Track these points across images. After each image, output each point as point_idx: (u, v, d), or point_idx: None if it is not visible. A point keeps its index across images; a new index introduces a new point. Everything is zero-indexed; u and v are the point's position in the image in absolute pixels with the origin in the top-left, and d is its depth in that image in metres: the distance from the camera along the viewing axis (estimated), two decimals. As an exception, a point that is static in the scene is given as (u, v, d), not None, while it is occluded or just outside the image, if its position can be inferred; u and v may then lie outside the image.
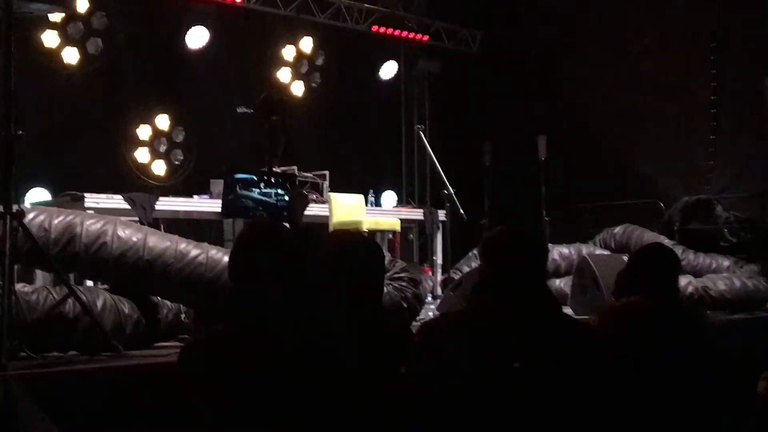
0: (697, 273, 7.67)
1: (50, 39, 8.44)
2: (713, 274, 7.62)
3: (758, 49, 8.50)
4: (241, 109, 5.48)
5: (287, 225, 5.37)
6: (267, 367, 2.38)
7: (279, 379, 2.37)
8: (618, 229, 8.66)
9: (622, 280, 3.54)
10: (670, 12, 9.57)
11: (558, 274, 8.34)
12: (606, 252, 8.36)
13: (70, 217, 4.56)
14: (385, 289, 5.11)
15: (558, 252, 8.48)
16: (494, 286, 2.65)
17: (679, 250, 8.04)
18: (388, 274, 5.34)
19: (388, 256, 5.67)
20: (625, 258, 6.69)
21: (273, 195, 5.21)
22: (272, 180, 5.17)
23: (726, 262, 7.94)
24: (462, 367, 2.47)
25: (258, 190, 5.18)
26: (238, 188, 5.18)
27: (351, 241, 3.07)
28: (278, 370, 2.38)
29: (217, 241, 7.89)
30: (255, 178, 5.19)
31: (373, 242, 3.46)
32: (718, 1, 9.21)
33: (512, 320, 2.55)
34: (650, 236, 8.39)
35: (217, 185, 7.83)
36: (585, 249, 8.40)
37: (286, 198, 5.22)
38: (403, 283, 5.25)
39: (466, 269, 7.83)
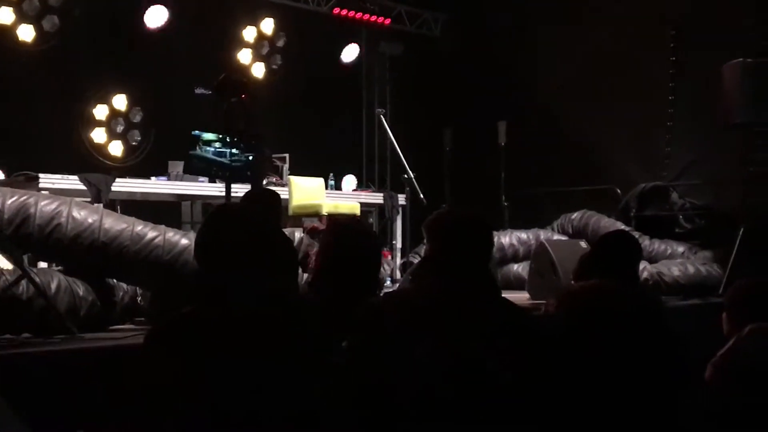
0: (652, 259, 7.78)
1: (5, 16, 8.25)
2: (668, 260, 7.74)
3: (718, 36, 8.60)
4: (199, 90, 5.43)
5: (248, 185, 5.33)
6: (238, 352, 2.36)
7: (251, 365, 2.36)
8: (575, 215, 8.75)
9: (584, 265, 3.59)
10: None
11: (516, 259, 8.42)
12: (564, 237, 8.45)
13: (24, 197, 4.50)
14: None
15: (516, 237, 8.56)
16: (436, 268, 2.66)
17: (635, 235, 8.14)
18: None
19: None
20: (583, 243, 6.81)
21: (228, 155, 5.19)
22: (228, 140, 5.13)
23: (681, 248, 8.06)
24: (398, 346, 2.48)
25: (213, 150, 5.18)
26: (198, 147, 5.17)
27: (352, 231, 3.08)
28: (250, 354, 2.37)
29: (175, 223, 7.84)
30: (213, 137, 5.17)
31: (373, 233, 3.45)
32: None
33: (450, 303, 2.56)
34: (607, 222, 8.49)
35: (176, 166, 7.79)
36: (543, 234, 8.48)
37: (243, 159, 5.20)
38: (362, 267, 5.24)
39: (425, 253, 7.84)
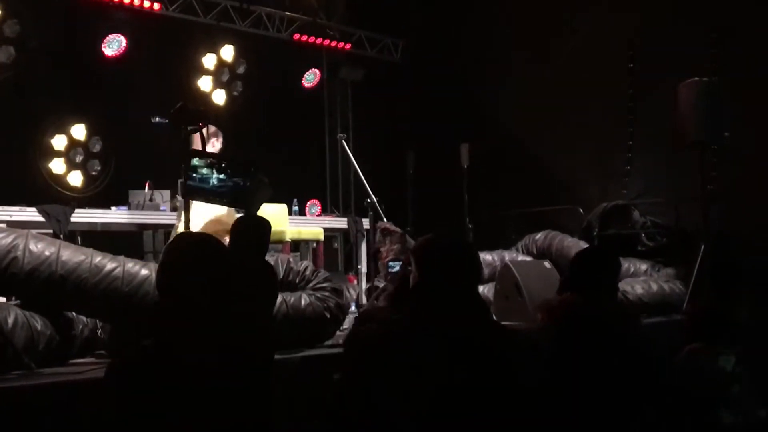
0: (615, 277, 7.82)
1: (-41, 47, 8.17)
2: (631, 278, 7.77)
3: (673, 56, 8.73)
4: (156, 119, 5.37)
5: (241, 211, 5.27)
6: (197, 386, 2.31)
7: (212, 398, 2.31)
8: (539, 236, 8.78)
9: (565, 281, 3.63)
10: (589, 21, 9.77)
11: (481, 281, 8.42)
12: (528, 258, 8.47)
13: (-21, 232, 4.42)
14: (307, 299, 5.09)
15: (481, 259, 8.55)
16: (428, 294, 2.64)
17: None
18: (311, 284, 5.31)
19: (310, 266, 5.63)
20: (547, 264, 6.82)
21: (214, 180, 5.16)
22: (217, 165, 5.10)
23: (643, 266, 8.11)
24: (398, 376, 2.46)
25: (199, 176, 5.16)
26: (190, 172, 5.16)
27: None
28: (211, 388, 2.32)
29: (137, 253, 7.74)
30: (200, 162, 5.14)
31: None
32: (635, 11, 9.43)
33: (445, 329, 2.55)
34: (570, 242, 8.53)
35: (136, 196, 7.70)
36: (507, 255, 8.49)
37: (229, 184, 5.16)
38: (326, 293, 5.22)
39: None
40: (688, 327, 3.48)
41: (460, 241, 2.81)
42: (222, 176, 5.03)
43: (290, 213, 8.79)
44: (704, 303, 3.57)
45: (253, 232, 4.17)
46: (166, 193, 8.02)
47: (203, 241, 2.65)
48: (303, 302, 5.07)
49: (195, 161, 5.06)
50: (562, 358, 2.98)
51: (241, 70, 10.65)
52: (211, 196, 5.09)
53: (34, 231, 4.89)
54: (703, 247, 7.08)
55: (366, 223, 8.45)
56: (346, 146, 7.47)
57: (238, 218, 4.24)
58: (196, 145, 5.07)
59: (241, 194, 4.92)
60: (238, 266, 3.77)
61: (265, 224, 4.28)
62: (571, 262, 3.67)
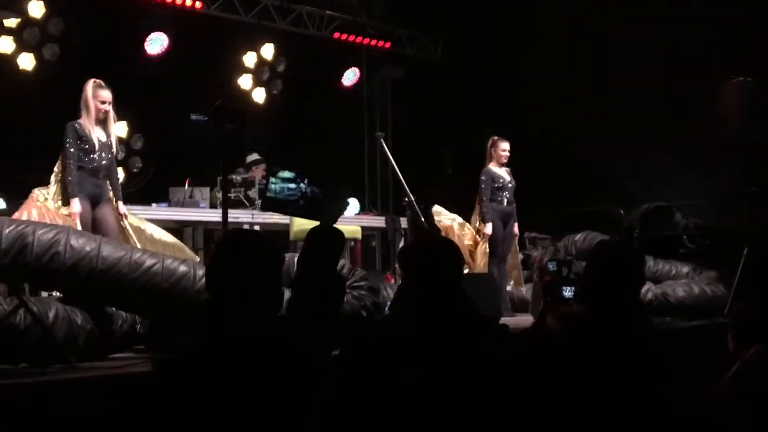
0: (656, 279, 7.72)
1: (5, 45, 8.28)
2: (672, 281, 7.67)
3: (713, 56, 8.61)
4: (195, 117, 5.41)
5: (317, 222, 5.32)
6: (241, 389, 2.29)
7: (257, 401, 2.29)
8: (579, 237, 8.68)
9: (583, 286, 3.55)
10: (628, 21, 9.67)
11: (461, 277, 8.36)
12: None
13: (22, 226, 4.48)
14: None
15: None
16: (411, 296, 2.64)
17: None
18: (348, 283, 5.31)
19: (348, 265, 5.64)
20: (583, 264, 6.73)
21: (279, 189, 5.22)
22: (284, 175, 5.16)
23: (685, 269, 7.98)
24: (383, 379, 2.47)
25: (264, 184, 5.23)
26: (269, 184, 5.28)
27: None
28: (255, 390, 2.30)
29: (177, 250, 7.80)
30: (288, 175, 5.22)
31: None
32: (674, 10, 9.32)
33: (430, 328, 2.55)
34: (610, 243, 8.42)
35: (176, 193, 7.78)
36: (547, 256, 8.42)
37: (292, 189, 5.21)
38: (363, 292, 5.22)
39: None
40: (742, 328, 3.40)
41: (440, 240, 2.86)
42: (296, 185, 5.08)
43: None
44: (755, 304, 3.50)
45: (324, 244, 4.16)
46: (206, 190, 8.08)
47: (252, 240, 2.57)
48: (340, 300, 5.07)
49: (284, 174, 5.13)
50: (562, 368, 2.90)
51: (281, 68, 10.69)
52: (289, 207, 5.16)
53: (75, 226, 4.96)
54: (746, 249, 6.96)
55: (404, 222, 8.42)
56: (384, 145, 7.46)
57: (312, 229, 4.23)
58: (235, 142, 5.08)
59: (317, 205, 4.95)
60: (304, 277, 3.79)
61: (338, 235, 4.25)
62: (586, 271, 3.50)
